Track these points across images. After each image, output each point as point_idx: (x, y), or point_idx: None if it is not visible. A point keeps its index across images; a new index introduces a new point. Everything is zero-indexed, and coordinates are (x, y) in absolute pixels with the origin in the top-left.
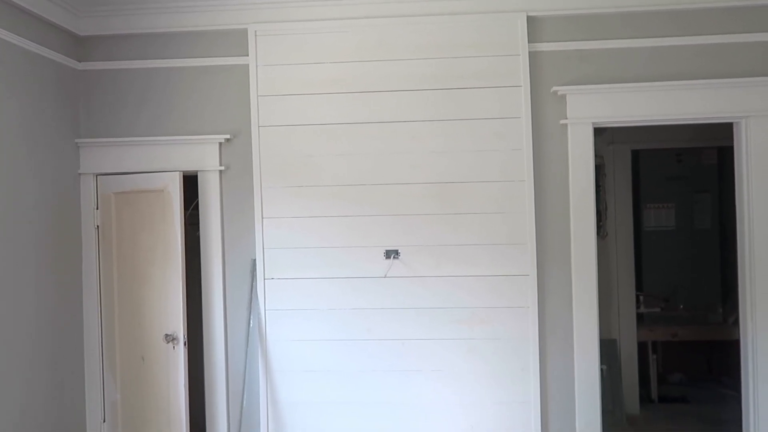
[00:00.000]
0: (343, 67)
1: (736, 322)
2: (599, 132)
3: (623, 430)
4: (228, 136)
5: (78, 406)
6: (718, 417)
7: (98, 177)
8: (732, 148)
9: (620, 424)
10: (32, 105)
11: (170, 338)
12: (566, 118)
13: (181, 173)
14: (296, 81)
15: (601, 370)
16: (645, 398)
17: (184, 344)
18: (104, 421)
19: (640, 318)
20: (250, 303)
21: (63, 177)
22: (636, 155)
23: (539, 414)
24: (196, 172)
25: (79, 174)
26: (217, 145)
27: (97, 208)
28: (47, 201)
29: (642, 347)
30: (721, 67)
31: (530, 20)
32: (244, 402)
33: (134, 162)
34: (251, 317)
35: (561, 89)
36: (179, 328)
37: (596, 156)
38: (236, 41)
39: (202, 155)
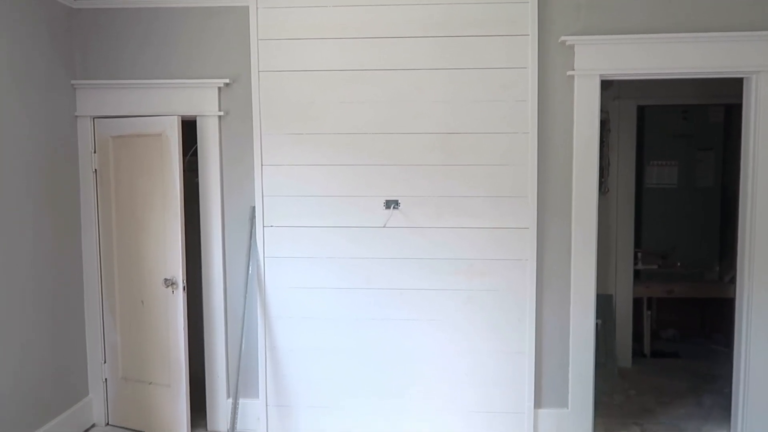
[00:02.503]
0: (346, 12)
1: (732, 281)
2: (605, 86)
3: (614, 383)
4: (227, 81)
5: (79, 348)
6: (708, 372)
7: (95, 120)
8: (740, 105)
9: (612, 377)
10: (23, 44)
11: (169, 283)
12: (573, 70)
13: (179, 117)
14: (297, 25)
15: (596, 324)
16: (638, 353)
17: (184, 289)
18: (105, 362)
19: (637, 274)
20: (249, 250)
21: (59, 119)
22: (641, 111)
23: (533, 364)
24: (195, 117)
25: (76, 116)
26: (216, 90)
27: (95, 152)
28: (43, 144)
29: (637, 303)
30: (735, 19)
31: None
32: (243, 347)
33: (132, 105)
34: (250, 264)
35: (569, 39)
36: (178, 273)
37: (601, 111)
38: None
39: (201, 100)
